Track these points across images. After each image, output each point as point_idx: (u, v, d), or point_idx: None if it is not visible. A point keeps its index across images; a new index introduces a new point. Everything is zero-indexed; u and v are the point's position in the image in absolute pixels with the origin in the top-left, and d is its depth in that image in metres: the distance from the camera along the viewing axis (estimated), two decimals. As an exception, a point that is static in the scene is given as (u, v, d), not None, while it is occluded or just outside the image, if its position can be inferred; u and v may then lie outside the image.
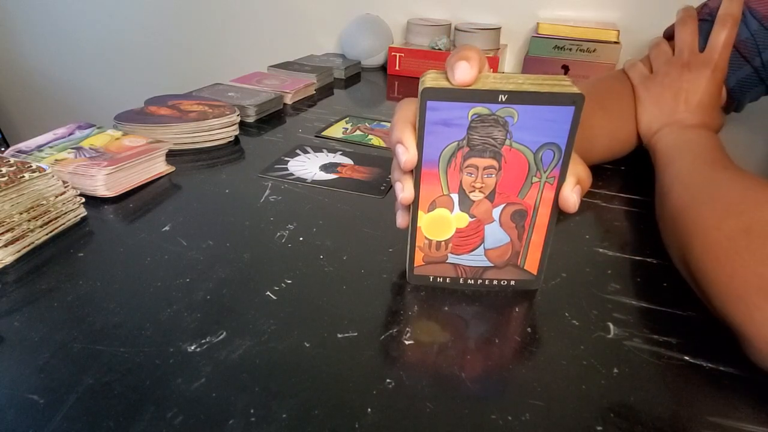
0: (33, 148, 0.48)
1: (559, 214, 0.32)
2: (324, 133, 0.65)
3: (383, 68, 1.06)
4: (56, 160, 0.46)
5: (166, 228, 0.41)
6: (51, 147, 0.48)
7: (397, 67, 1.00)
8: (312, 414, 0.25)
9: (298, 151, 0.58)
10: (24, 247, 0.37)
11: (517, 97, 0.28)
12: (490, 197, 0.32)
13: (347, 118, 0.71)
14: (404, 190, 0.31)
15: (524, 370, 0.29)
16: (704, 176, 0.40)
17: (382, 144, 0.62)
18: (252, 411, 0.25)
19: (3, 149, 0.49)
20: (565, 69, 0.90)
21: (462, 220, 0.33)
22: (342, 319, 0.32)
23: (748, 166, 1.01)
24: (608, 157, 0.57)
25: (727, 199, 0.34)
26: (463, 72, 0.27)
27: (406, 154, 0.29)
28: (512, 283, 0.35)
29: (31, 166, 0.39)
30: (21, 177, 0.37)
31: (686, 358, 0.30)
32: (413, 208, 0.33)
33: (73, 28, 1.43)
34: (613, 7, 0.98)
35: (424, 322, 0.32)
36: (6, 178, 0.37)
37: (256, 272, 0.36)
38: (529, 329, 0.32)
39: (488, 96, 0.28)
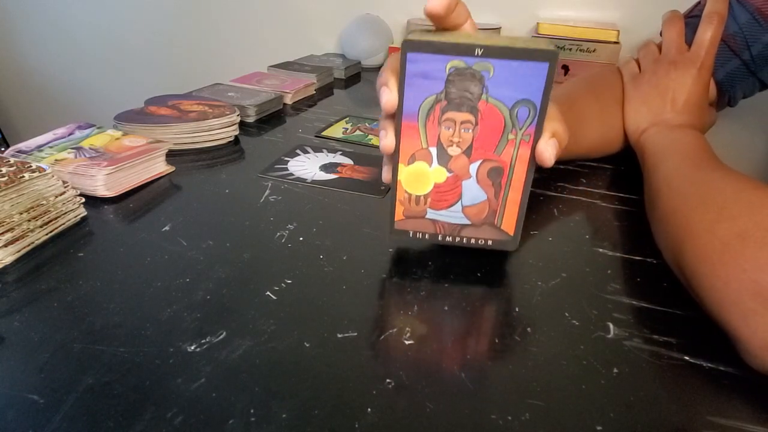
0: (33, 148, 0.48)
1: (536, 171, 0.33)
2: (324, 133, 0.65)
3: (383, 68, 1.06)
4: (56, 160, 0.46)
5: (166, 228, 0.41)
6: (51, 147, 0.48)
7: (397, 67, 1.00)
8: (312, 414, 0.25)
9: (298, 151, 0.58)
10: (24, 247, 0.37)
11: (492, 51, 0.29)
12: (467, 152, 0.33)
13: (347, 118, 0.71)
14: (386, 137, 0.32)
15: (524, 370, 0.29)
16: (694, 178, 0.39)
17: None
18: (252, 411, 0.25)
19: (3, 149, 0.49)
20: (565, 69, 0.91)
21: (440, 175, 0.34)
22: (342, 319, 0.32)
23: (748, 166, 1.01)
24: (601, 145, 0.57)
25: (719, 202, 0.34)
26: (433, 1, 0.30)
27: (388, 94, 0.31)
28: (489, 242, 0.36)
29: (31, 166, 0.39)
30: (21, 177, 0.37)
31: (686, 358, 0.30)
32: (394, 161, 0.34)
33: (73, 28, 1.43)
34: (613, 7, 0.98)
35: (424, 321, 0.32)
36: (6, 178, 0.37)
37: (256, 272, 0.36)
38: (529, 329, 0.32)
39: (465, 49, 0.29)
